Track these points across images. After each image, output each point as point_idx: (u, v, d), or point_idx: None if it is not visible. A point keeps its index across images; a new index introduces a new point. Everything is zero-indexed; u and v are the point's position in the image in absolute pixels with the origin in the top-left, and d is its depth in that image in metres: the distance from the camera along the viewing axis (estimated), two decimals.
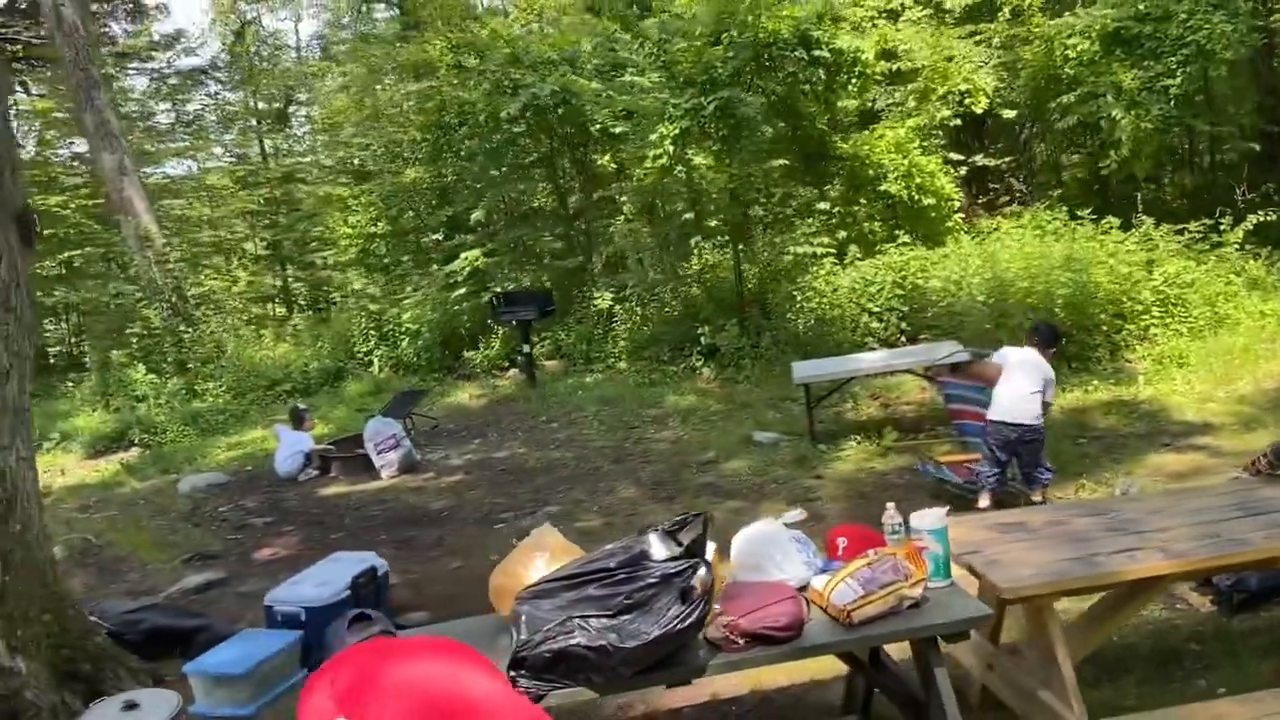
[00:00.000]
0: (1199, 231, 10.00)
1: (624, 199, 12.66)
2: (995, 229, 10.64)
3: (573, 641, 2.75)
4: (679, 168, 9.96)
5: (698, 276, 11.12)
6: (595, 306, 11.68)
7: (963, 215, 11.31)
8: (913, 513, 3.30)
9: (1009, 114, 11.41)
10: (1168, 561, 3.05)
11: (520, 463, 8.30)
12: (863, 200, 10.71)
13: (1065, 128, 11.23)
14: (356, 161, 16.73)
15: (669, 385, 10.01)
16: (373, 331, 12.93)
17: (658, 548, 2.93)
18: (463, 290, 12.32)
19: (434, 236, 13.85)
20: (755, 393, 9.38)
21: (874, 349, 9.34)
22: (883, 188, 10.41)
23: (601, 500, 7.01)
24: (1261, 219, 9.88)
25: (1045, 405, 5.55)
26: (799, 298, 10.02)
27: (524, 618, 2.85)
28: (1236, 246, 9.80)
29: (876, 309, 9.61)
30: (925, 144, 10.91)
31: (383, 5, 20.23)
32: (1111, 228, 9.91)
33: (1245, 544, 3.10)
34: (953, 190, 10.88)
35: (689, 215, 10.12)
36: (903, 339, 9.69)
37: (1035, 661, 3.38)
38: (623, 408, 9.54)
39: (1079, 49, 11.10)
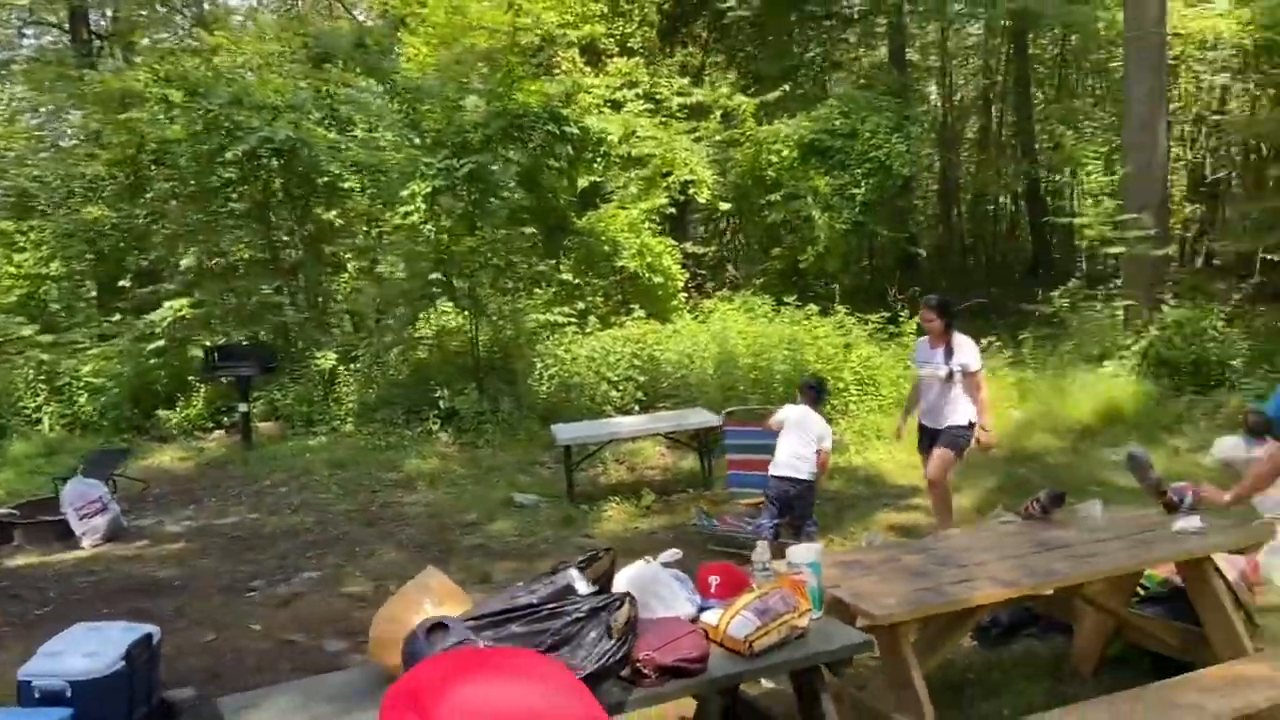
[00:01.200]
0: (879, 322, 11.42)
1: (349, 255, 12.22)
2: (714, 310, 11.50)
3: None
4: (428, 226, 9.84)
5: (434, 339, 10.95)
6: (317, 366, 11.09)
7: (686, 295, 12.12)
8: (789, 548, 3.52)
9: (725, 206, 12.48)
10: (1003, 589, 3.48)
11: (255, 528, 7.63)
12: (597, 274, 11.16)
13: (771, 222, 12.46)
14: (19, 195, 14.74)
15: (406, 449, 9.69)
16: (42, 385, 11.33)
17: (580, 583, 2.91)
18: (161, 343, 11.19)
19: (123, 283, 12.50)
20: (500, 457, 9.34)
21: (611, 415, 9.66)
22: (619, 263, 10.94)
23: (364, 564, 6.64)
24: None
25: (822, 458, 6.09)
26: (539, 365, 10.18)
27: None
28: (913, 335, 11.28)
29: (615, 378, 9.98)
30: (651, 226, 11.63)
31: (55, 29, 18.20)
32: (813, 314, 11.09)
33: (1056, 573, 3.62)
34: (678, 271, 11.66)
35: (435, 275, 9.98)
36: (635, 407, 10.11)
37: (883, 688, 3.69)
38: (359, 471, 9.10)
39: (782, 155, 12.47)
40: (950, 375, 6.00)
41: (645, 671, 2.89)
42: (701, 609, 3.30)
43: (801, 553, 3.44)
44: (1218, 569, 4.05)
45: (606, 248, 11.00)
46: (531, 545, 6.89)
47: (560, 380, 10.02)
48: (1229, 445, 5.96)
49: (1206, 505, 4.12)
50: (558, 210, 11.08)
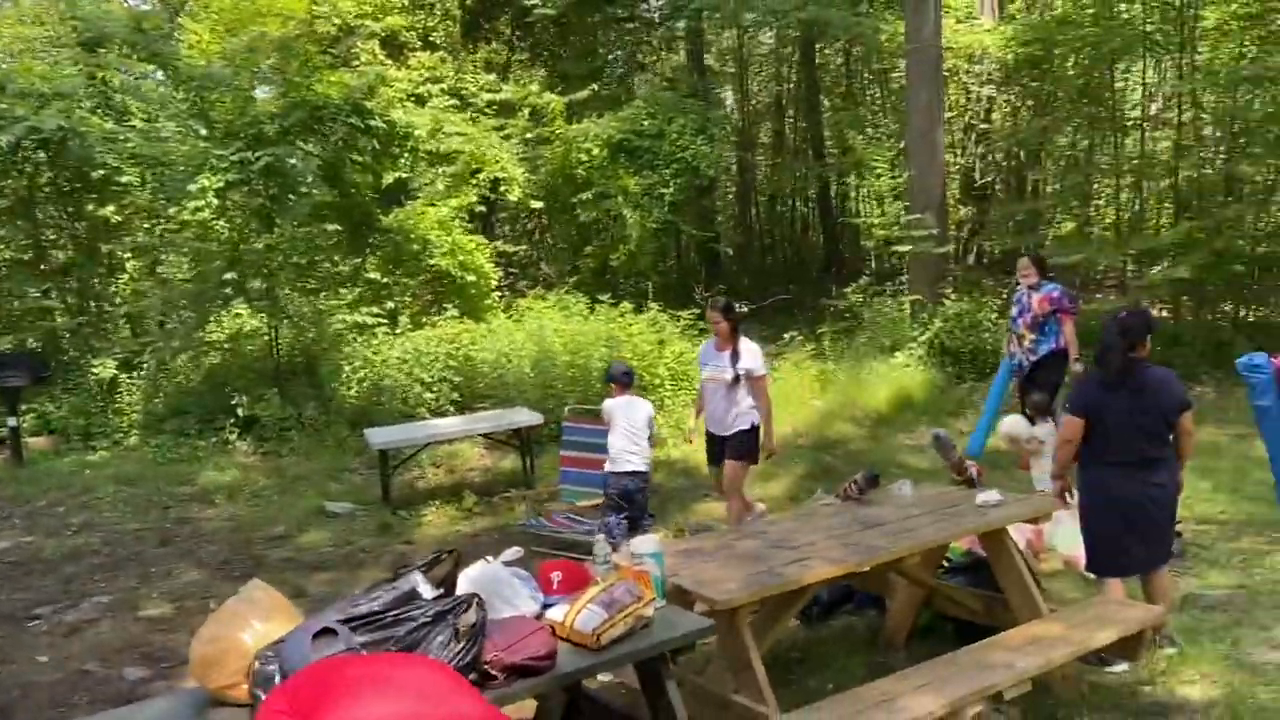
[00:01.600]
0: (690, 319, 11.70)
1: (128, 255, 11.32)
2: (529, 308, 11.42)
3: None
4: (220, 223, 9.24)
5: (228, 343, 10.31)
6: (95, 375, 10.21)
7: (499, 294, 11.98)
8: (631, 539, 3.54)
9: (536, 205, 12.43)
10: (833, 567, 3.64)
11: (33, 552, 6.93)
12: (406, 273, 10.84)
13: (583, 221, 12.51)
14: None
15: (201, 461, 9.07)
16: None
17: (424, 586, 2.81)
18: None
19: None
20: (306, 465, 8.91)
21: (426, 418, 9.41)
22: (431, 262, 10.66)
23: (161, 585, 6.17)
24: (741, 310, 11.85)
25: (651, 442, 6.14)
26: (347, 368, 9.78)
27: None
28: None
29: (429, 379, 9.72)
30: (461, 225, 11.42)
31: None
32: (627, 312, 11.22)
33: (878, 549, 3.81)
34: (491, 270, 11.51)
35: (229, 275, 9.37)
36: (450, 409, 9.89)
37: (720, 671, 3.77)
38: (148, 487, 8.44)
39: (591, 154, 12.54)
40: (736, 379, 5.92)
41: (493, 673, 2.84)
42: (545, 606, 3.27)
43: (644, 543, 3.47)
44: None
45: (416, 246, 10.69)
46: (348, 555, 6.61)
47: (370, 383, 9.66)
48: (1013, 424, 6.47)
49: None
50: (362, 206, 10.68)
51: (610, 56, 15.98)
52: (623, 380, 6.33)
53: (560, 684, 3.02)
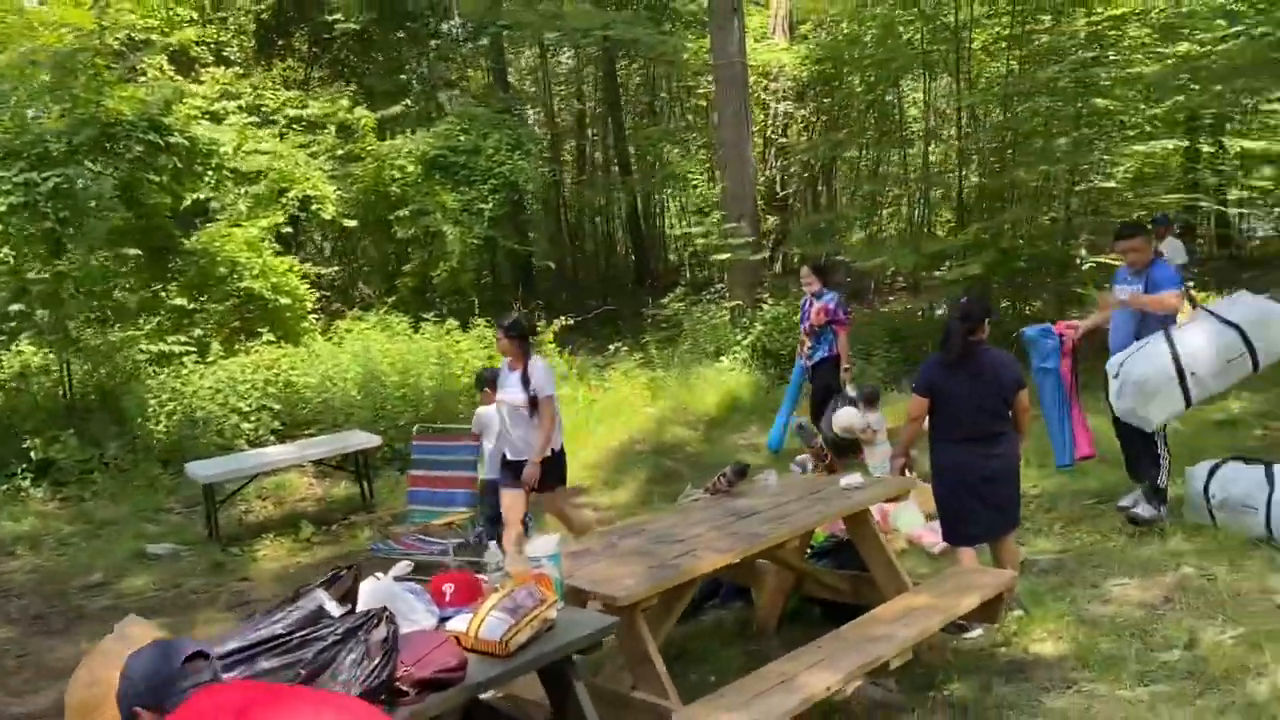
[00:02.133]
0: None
1: None
2: (349, 330, 10.99)
3: None
4: (3, 251, 8.38)
5: (13, 381, 9.34)
6: None
7: (315, 316, 11.45)
8: (526, 544, 3.47)
9: (350, 223, 11.98)
10: (724, 555, 3.69)
11: None
12: (213, 298, 10.18)
13: (400, 239, 12.17)
14: None
15: None
16: None
17: (330, 604, 2.65)
18: None
19: None
20: (114, 508, 8.17)
21: (245, 449, 8.87)
22: (242, 285, 10.06)
23: None
24: (565, 322, 11.86)
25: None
26: (154, 401, 9.07)
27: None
28: (552, 344, 11.58)
29: (246, 408, 9.16)
30: (271, 246, 10.86)
31: None
32: (453, 329, 11.01)
33: (760, 535, 3.90)
34: (305, 291, 11.00)
35: (15, 307, 8.49)
36: (271, 438, 9.37)
37: (617, 670, 3.74)
38: None
39: (405, 170, 12.25)
40: (531, 402, 5.47)
41: (404, 689, 2.71)
42: (442, 619, 3.17)
43: (541, 546, 3.41)
44: None
45: (223, 269, 10.06)
46: (177, 598, 6.13)
47: (181, 416, 8.99)
48: (847, 415, 6.79)
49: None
50: (163, 229, 9.94)
51: (417, 73, 15.67)
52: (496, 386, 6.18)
53: (473, 694, 2.92)
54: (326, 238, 13.80)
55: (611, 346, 12.85)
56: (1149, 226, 7.07)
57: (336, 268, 12.94)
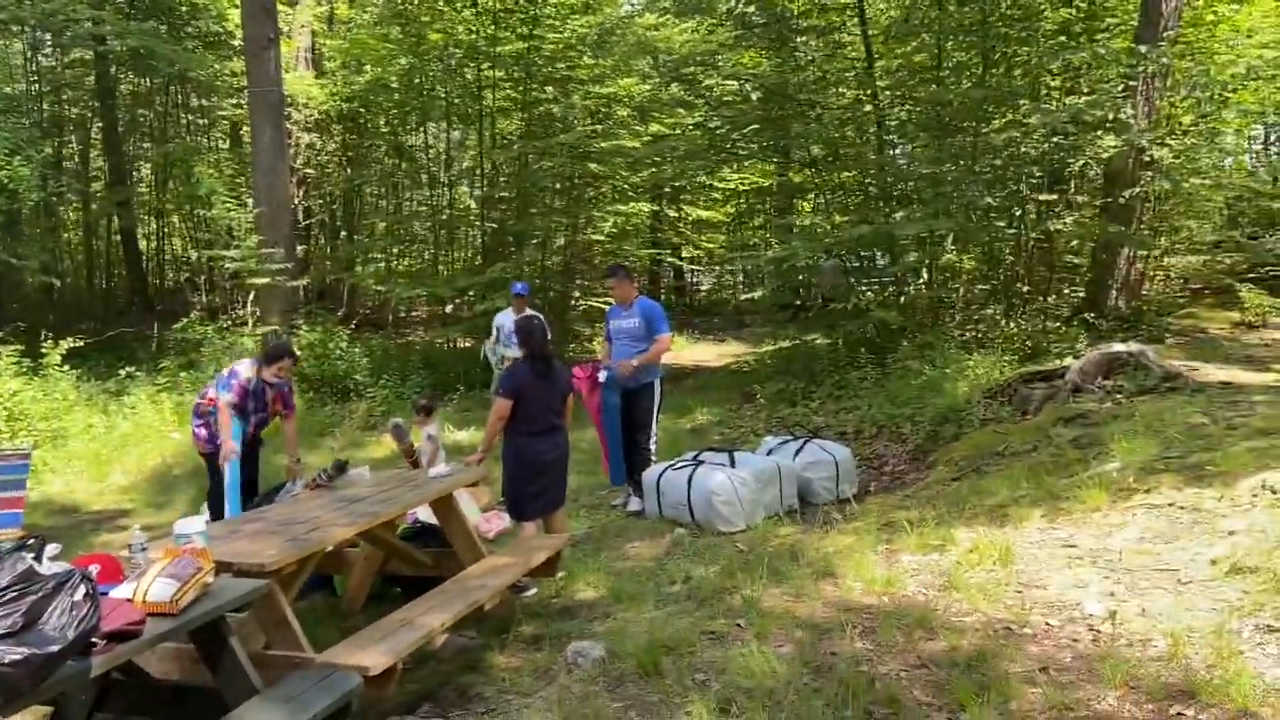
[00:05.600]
0: (14, 355, 10.55)
1: None
2: None
3: None
4: None
5: None
6: None
7: None
8: (175, 523, 3.80)
9: None
10: (350, 527, 4.33)
11: None
12: None
13: None
14: None
15: None
16: None
17: (40, 564, 2.92)
18: None
19: None
20: None
21: None
22: None
23: None
24: (74, 344, 10.99)
25: None
26: None
27: None
28: (58, 367, 10.69)
29: None
30: None
31: None
32: None
33: (377, 512, 4.58)
34: None
35: None
36: None
37: (252, 633, 4.18)
38: None
39: None
40: None
41: (94, 640, 3.04)
42: (105, 590, 3.44)
43: (188, 524, 3.79)
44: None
45: None
46: None
47: None
48: (396, 430, 7.45)
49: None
50: None
51: None
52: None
53: (153, 645, 3.27)
54: None
55: (123, 371, 12.11)
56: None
57: None
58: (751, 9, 12.41)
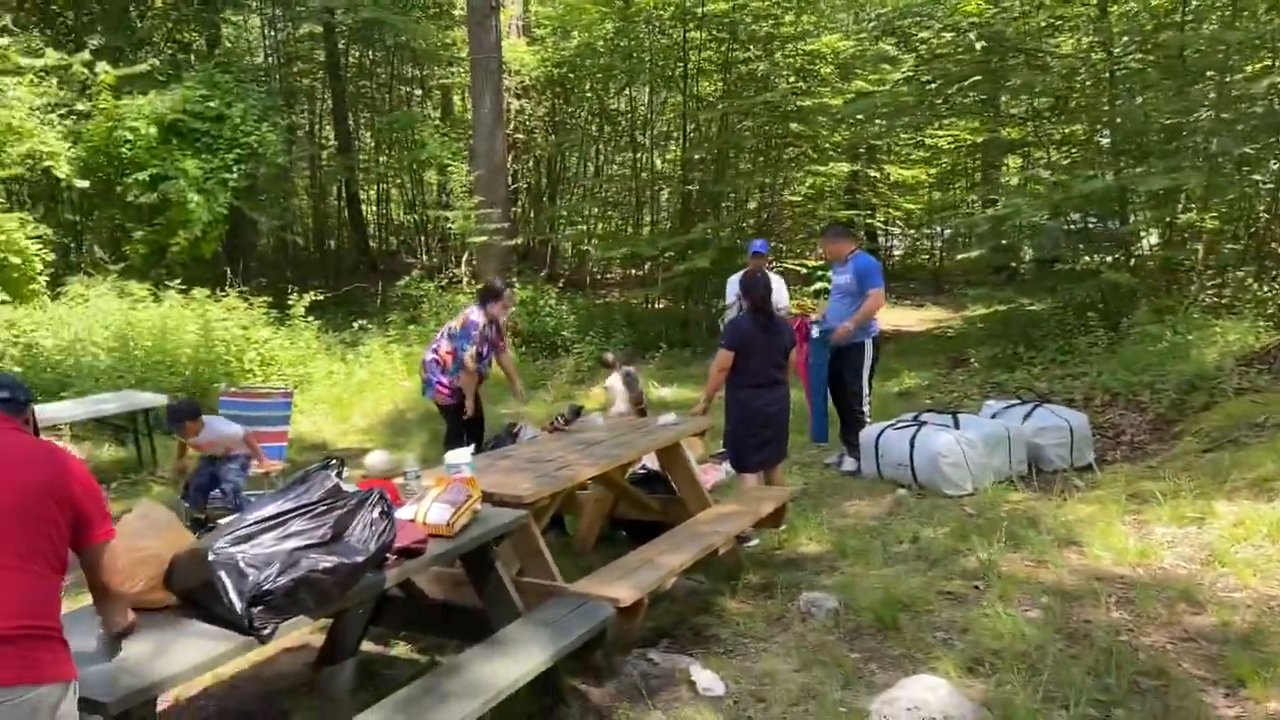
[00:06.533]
0: (263, 306, 11.48)
1: None
2: (85, 293, 10.42)
3: (308, 567, 2.86)
4: None
5: None
6: None
7: (49, 278, 10.69)
8: (446, 454, 4.06)
9: (82, 184, 11.24)
10: (597, 466, 4.50)
11: None
12: None
13: (133, 204, 11.57)
14: None
15: None
16: None
17: (345, 484, 3.18)
18: None
19: None
20: None
21: None
22: None
23: None
24: (315, 298, 11.88)
25: None
26: None
27: (240, 561, 2.80)
28: (302, 319, 11.59)
29: None
30: None
31: None
32: (199, 299, 10.75)
33: (618, 454, 4.74)
34: (36, 251, 10.26)
35: None
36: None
37: (510, 558, 4.41)
38: None
39: (140, 132, 11.66)
40: None
41: (386, 555, 3.28)
42: None
43: (458, 455, 4.03)
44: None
45: None
46: None
47: None
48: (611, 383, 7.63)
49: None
50: None
51: (152, 31, 14.79)
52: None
53: (435, 563, 3.52)
54: (56, 199, 12.76)
55: (356, 324, 13.01)
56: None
57: (58, 231, 12.00)
58: None
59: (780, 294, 7.34)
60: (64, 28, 13.72)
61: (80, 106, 11.54)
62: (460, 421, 6.63)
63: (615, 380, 7.60)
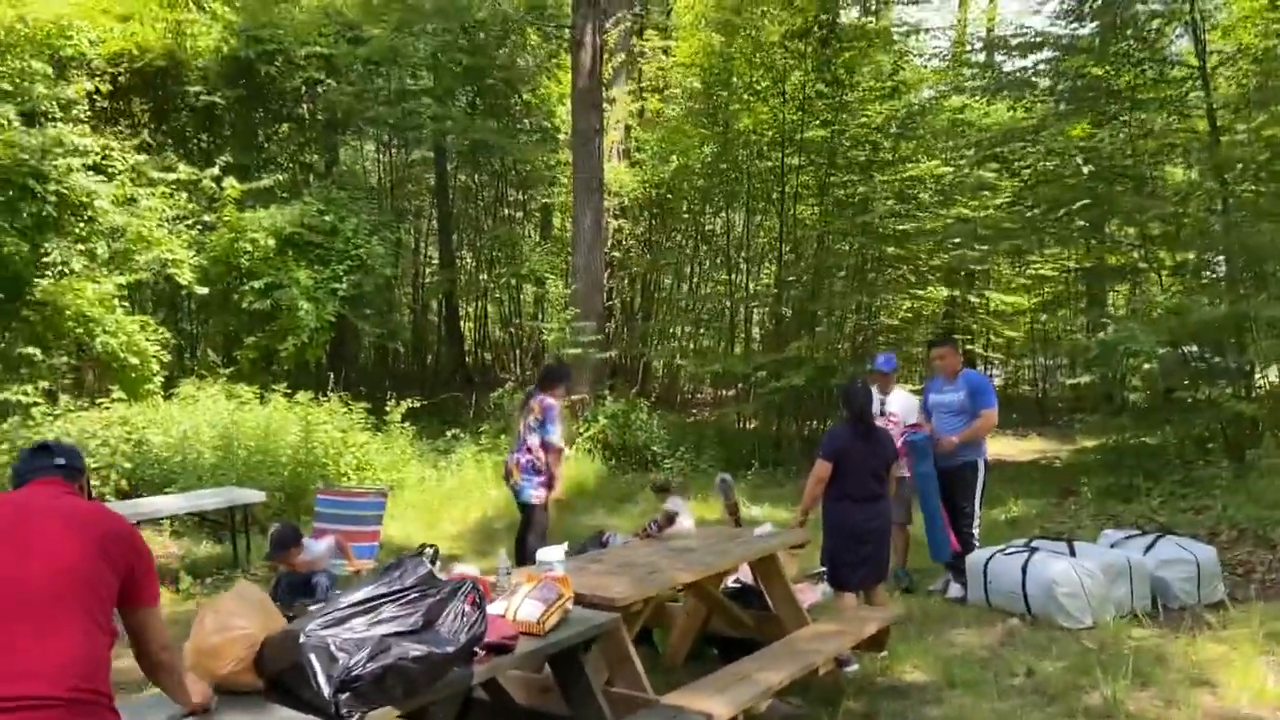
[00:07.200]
0: (361, 412, 11.71)
1: None
2: (195, 394, 10.80)
3: (398, 655, 2.77)
4: None
5: None
6: None
7: (163, 379, 11.16)
8: (539, 551, 3.97)
9: (202, 290, 11.83)
10: (693, 573, 4.34)
11: None
12: (63, 350, 9.81)
13: (247, 310, 12.10)
14: None
15: None
16: None
17: (439, 572, 3.11)
18: None
19: None
20: None
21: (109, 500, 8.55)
22: (98, 340, 9.75)
23: None
24: (411, 405, 12.10)
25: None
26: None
27: (331, 645, 2.72)
28: (398, 425, 11.78)
29: (95, 464, 8.84)
30: (123, 304, 10.63)
31: None
32: (306, 401, 11.04)
33: (712, 564, 4.57)
34: (155, 353, 10.75)
35: None
36: (113, 496, 9.05)
37: (597, 668, 4.23)
38: None
39: (259, 244, 12.29)
40: None
41: (476, 650, 3.17)
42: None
43: (551, 553, 3.93)
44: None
45: (72, 322, 9.75)
46: None
47: None
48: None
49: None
50: (19, 277, 9.54)
51: (275, 151, 15.76)
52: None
53: (522, 664, 3.39)
54: (176, 304, 13.47)
55: (449, 432, 13.16)
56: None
57: (175, 334, 12.61)
58: (1079, 83, 11.81)
59: (910, 411, 7.15)
60: (197, 148, 14.67)
61: (206, 218, 12.22)
62: (545, 520, 6.64)
63: (674, 503, 7.41)
